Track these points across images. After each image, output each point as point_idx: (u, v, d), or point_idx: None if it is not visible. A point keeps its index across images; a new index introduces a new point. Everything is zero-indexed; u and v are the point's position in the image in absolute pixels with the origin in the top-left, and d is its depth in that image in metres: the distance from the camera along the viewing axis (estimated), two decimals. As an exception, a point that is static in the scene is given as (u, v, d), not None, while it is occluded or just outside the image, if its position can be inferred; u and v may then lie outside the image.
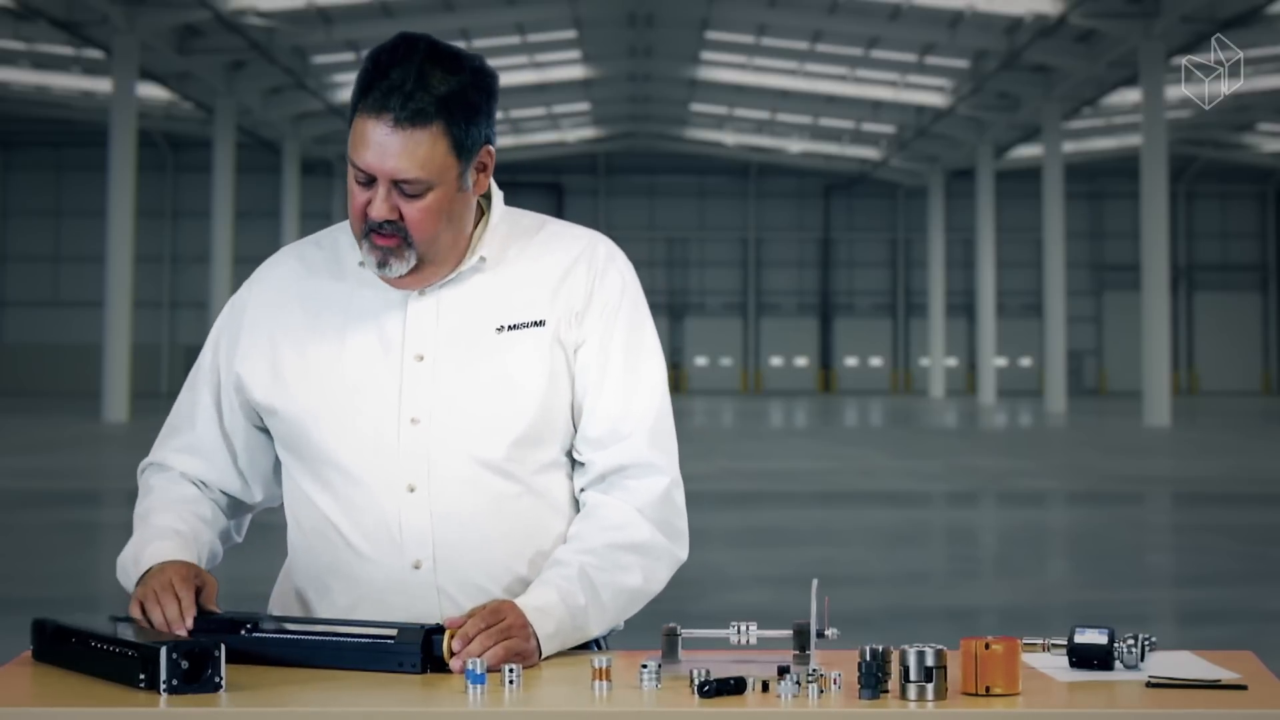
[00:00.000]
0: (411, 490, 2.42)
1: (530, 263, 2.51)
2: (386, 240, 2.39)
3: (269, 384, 2.50)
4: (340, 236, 2.56)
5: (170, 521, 2.51)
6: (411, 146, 2.34)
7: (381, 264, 2.41)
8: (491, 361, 2.44)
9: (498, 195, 2.55)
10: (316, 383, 2.47)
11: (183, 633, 2.27)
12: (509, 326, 2.46)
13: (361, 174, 2.38)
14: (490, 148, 2.45)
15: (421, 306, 2.47)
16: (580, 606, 2.38)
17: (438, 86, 2.34)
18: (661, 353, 2.58)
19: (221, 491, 2.61)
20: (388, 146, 2.34)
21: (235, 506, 2.64)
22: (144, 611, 2.33)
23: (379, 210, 2.37)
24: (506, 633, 2.26)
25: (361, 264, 2.48)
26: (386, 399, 2.44)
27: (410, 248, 2.40)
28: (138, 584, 2.39)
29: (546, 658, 2.33)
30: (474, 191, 2.45)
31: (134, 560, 2.46)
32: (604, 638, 2.56)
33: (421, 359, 2.45)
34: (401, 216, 2.38)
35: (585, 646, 2.49)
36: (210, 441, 2.58)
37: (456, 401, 2.43)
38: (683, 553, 2.53)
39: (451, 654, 2.21)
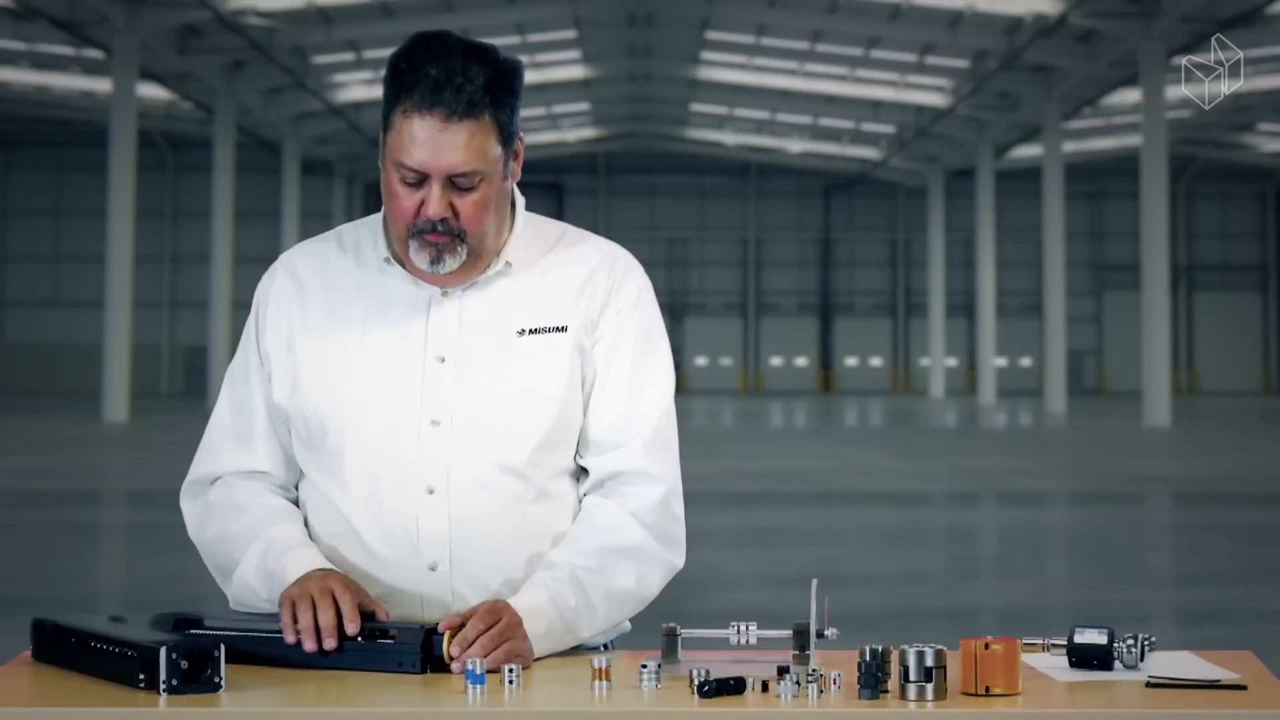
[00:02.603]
0: (431, 493, 2.42)
1: (553, 269, 2.52)
2: (439, 237, 2.39)
3: (290, 382, 2.50)
4: (363, 235, 2.55)
5: (294, 534, 2.47)
6: (466, 139, 2.35)
7: (435, 261, 2.40)
8: (513, 365, 2.45)
9: (520, 201, 2.56)
10: (337, 383, 2.47)
11: (331, 643, 2.23)
12: (530, 331, 2.46)
13: (411, 174, 2.37)
14: (522, 135, 2.46)
15: (444, 308, 2.47)
16: (570, 608, 2.38)
17: (480, 78, 2.35)
18: (671, 366, 2.57)
19: (291, 485, 2.58)
20: (442, 142, 2.34)
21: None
22: (294, 614, 2.27)
23: (436, 209, 2.37)
24: (505, 634, 2.26)
25: (387, 260, 2.48)
26: (407, 400, 2.44)
27: (463, 242, 2.40)
28: (291, 587, 2.34)
29: (537, 659, 2.33)
30: (510, 181, 2.46)
31: (268, 573, 2.41)
32: (610, 641, 2.57)
33: (443, 361, 2.45)
34: (455, 212, 2.38)
35: (590, 649, 2.49)
36: (275, 441, 2.55)
37: (477, 404, 2.43)
38: (679, 560, 2.53)
39: (451, 657, 2.21)
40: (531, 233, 2.54)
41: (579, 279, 2.51)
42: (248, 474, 2.55)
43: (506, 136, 2.40)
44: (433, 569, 2.43)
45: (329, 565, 2.41)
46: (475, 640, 2.23)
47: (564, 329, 2.47)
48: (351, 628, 2.24)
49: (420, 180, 2.37)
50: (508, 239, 2.51)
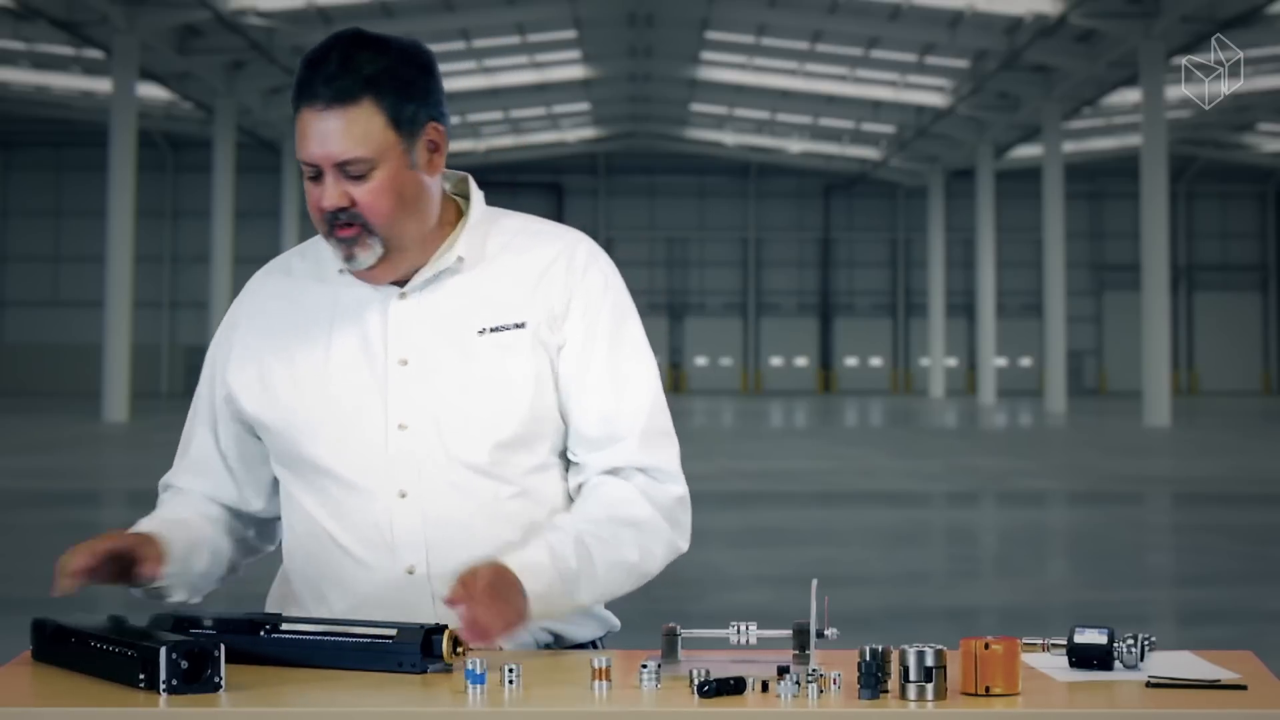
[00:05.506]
0: (403, 496, 2.42)
1: (509, 263, 2.49)
2: (347, 231, 2.39)
3: (259, 398, 2.51)
4: (322, 245, 2.55)
5: (159, 513, 2.54)
6: (345, 126, 2.35)
7: (348, 257, 2.41)
8: (474, 364, 2.43)
9: (478, 195, 2.55)
10: (304, 394, 2.47)
11: (67, 584, 2.26)
12: (490, 329, 2.44)
13: (310, 169, 2.39)
14: (438, 125, 2.43)
15: (402, 310, 2.46)
16: (571, 570, 2.36)
17: (364, 67, 2.36)
18: (649, 350, 2.55)
19: (230, 505, 2.61)
20: (323, 131, 2.35)
21: (249, 519, 2.64)
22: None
23: (330, 198, 2.37)
24: (497, 585, 2.24)
25: (342, 271, 2.48)
26: (373, 405, 2.44)
27: (372, 234, 2.39)
28: None
29: (533, 622, 2.33)
30: (428, 171, 2.43)
31: None
32: (599, 638, 2.56)
33: (405, 364, 2.44)
34: (354, 202, 2.38)
35: (581, 645, 2.50)
36: (203, 460, 2.60)
37: (441, 406, 2.42)
38: (683, 543, 2.51)
39: (457, 640, 2.20)
40: (488, 226, 2.52)
41: (536, 271, 2.48)
42: (185, 487, 2.63)
43: (400, 123, 2.38)
44: (410, 572, 2.42)
45: (150, 530, 2.43)
46: (471, 592, 2.21)
47: (523, 325, 2.45)
48: (66, 583, 2.26)
49: (319, 174, 2.39)
50: (460, 233, 2.49)
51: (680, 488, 2.51)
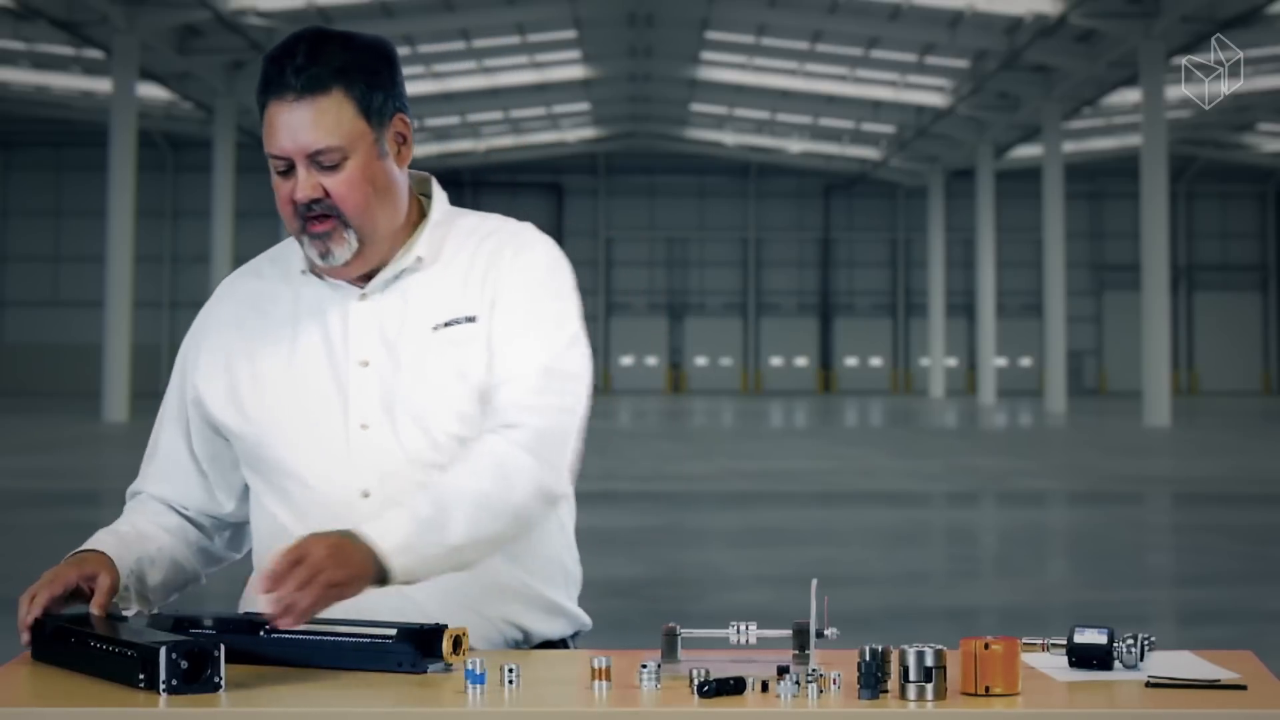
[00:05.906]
0: (366, 496, 2.42)
1: (462, 260, 2.50)
2: (322, 225, 2.40)
3: (226, 402, 2.51)
4: (292, 248, 2.55)
5: (115, 525, 2.53)
6: (317, 116, 2.36)
7: (324, 254, 2.41)
8: (432, 361, 2.43)
9: (440, 195, 2.56)
10: (268, 397, 2.47)
11: (24, 637, 2.29)
12: (444, 324, 2.45)
13: (280, 162, 2.39)
14: (405, 117, 2.45)
15: (361, 311, 2.46)
16: (427, 516, 2.29)
17: (333, 59, 2.38)
18: (566, 323, 2.47)
19: (199, 510, 2.60)
20: (294, 122, 2.36)
21: (219, 524, 2.63)
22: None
23: (303, 190, 2.37)
24: (294, 561, 2.18)
25: (304, 272, 2.49)
26: (334, 407, 2.44)
27: (347, 227, 2.40)
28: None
29: (415, 581, 2.30)
30: (398, 163, 2.45)
31: None
32: (570, 636, 2.55)
33: (366, 364, 2.44)
34: (327, 193, 2.38)
35: (551, 644, 2.49)
36: (172, 463, 2.59)
37: (402, 404, 2.42)
38: (558, 482, 2.42)
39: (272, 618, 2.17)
40: (447, 226, 2.53)
41: (482, 266, 2.48)
42: (150, 495, 2.61)
43: (370, 112, 2.39)
44: None
45: (98, 547, 2.42)
46: (283, 585, 2.16)
47: (474, 319, 2.45)
48: (23, 636, 2.28)
49: (290, 168, 2.39)
50: (421, 233, 2.50)
51: (544, 421, 2.40)
